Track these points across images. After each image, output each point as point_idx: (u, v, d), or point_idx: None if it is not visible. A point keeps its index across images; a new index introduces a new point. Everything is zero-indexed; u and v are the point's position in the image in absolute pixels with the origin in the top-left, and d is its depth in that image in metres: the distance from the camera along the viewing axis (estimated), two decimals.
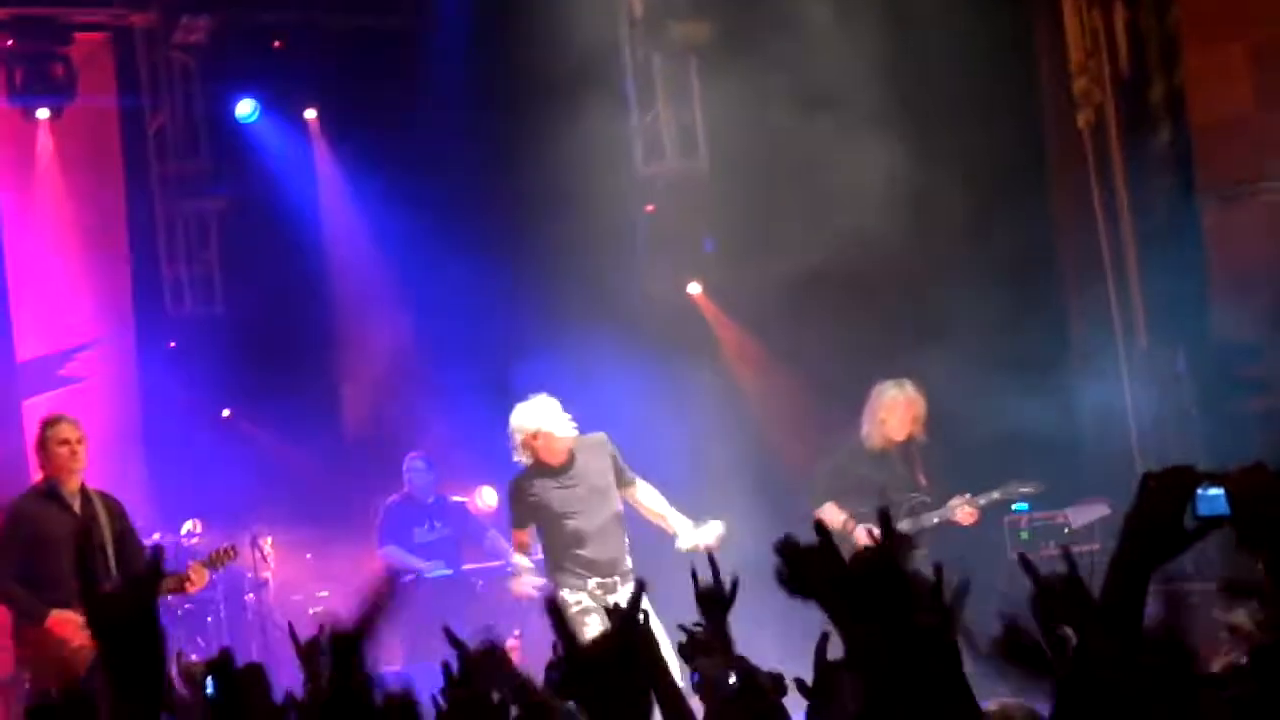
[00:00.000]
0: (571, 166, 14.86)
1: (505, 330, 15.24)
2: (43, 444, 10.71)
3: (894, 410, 12.02)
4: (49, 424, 10.76)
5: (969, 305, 13.49)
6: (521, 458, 11.37)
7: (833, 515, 11.78)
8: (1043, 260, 14.42)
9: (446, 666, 4.11)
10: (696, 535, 11.11)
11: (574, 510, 11.21)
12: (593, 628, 10.74)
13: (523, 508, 11.42)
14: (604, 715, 3.32)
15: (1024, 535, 13.15)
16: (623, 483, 11.43)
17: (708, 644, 5.09)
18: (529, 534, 11.60)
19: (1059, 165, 14.54)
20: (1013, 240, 13.90)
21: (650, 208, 15.67)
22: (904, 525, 11.66)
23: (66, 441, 10.64)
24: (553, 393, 13.97)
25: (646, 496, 11.52)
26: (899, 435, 12.01)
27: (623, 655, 3.38)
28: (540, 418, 11.25)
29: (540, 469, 11.31)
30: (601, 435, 11.54)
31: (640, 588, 3.57)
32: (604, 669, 3.36)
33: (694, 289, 15.75)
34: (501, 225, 15.76)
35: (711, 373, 15.29)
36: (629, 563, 11.29)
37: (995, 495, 12.01)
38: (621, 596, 10.70)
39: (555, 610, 3.60)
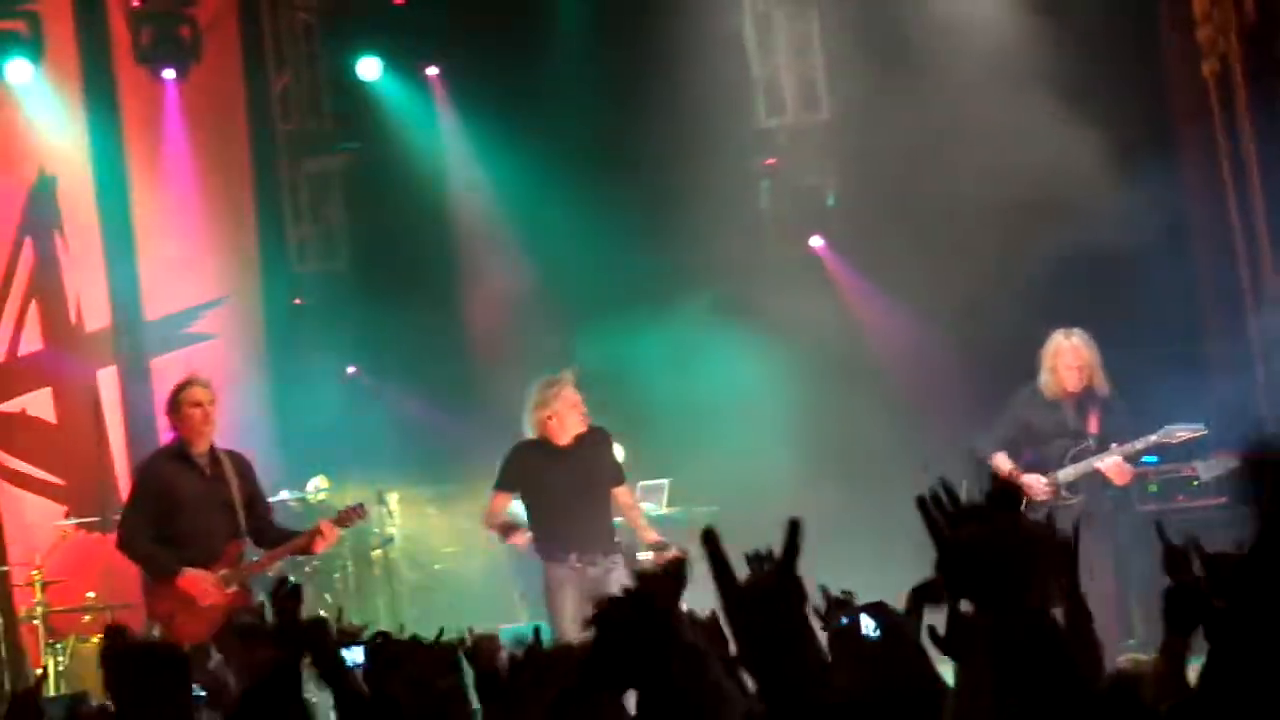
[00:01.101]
0: (693, 120, 14.86)
1: (629, 284, 15.23)
2: (175, 406, 10.80)
3: (1060, 358, 11.84)
4: (182, 387, 10.85)
5: (1098, 259, 13.39)
6: (530, 430, 11.56)
7: (1000, 464, 11.82)
8: (1170, 208, 14.25)
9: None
10: (649, 552, 11.17)
11: (563, 490, 11.31)
12: (570, 600, 11.00)
13: (513, 474, 11.62)
14: (759, 647, 3.36)
15: (1152, 488, 13.05)
16: (616, 480, 11.62)
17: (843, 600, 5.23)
18: (506, 501, 11.71)
19: (1183, 114, 14.37)
20: (1140, 189, 13.75)
21: (772, 161, 15.62)
22: (1066, 472, 11.65)
23: (199, 404, 10.73)
24: (672, 346, 14.04)
25: (630, 501, 11.75)
26: (1071, 385, 11.80)
27: (778, 592, 3.40)
28: (558, 401, 11.42)
29: (543, 445, 11.48)
30: (607, 432, 11.69)
31: (795, 528, 3.55)
32: (760, 604, 3.39)
33: (816, 243, 15.68)
34: (624, 179, 15.74)
35: (835, 328, 15.23)
36: (614, 541, 11.43)
37: (1152, 439, 11.80)
38: (600, 570, 11.06)
39: (713, 544, 3.65)
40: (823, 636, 4.86)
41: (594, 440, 11.53)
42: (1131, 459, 11.85)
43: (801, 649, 3.39)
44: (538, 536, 11.43)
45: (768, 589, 3.37)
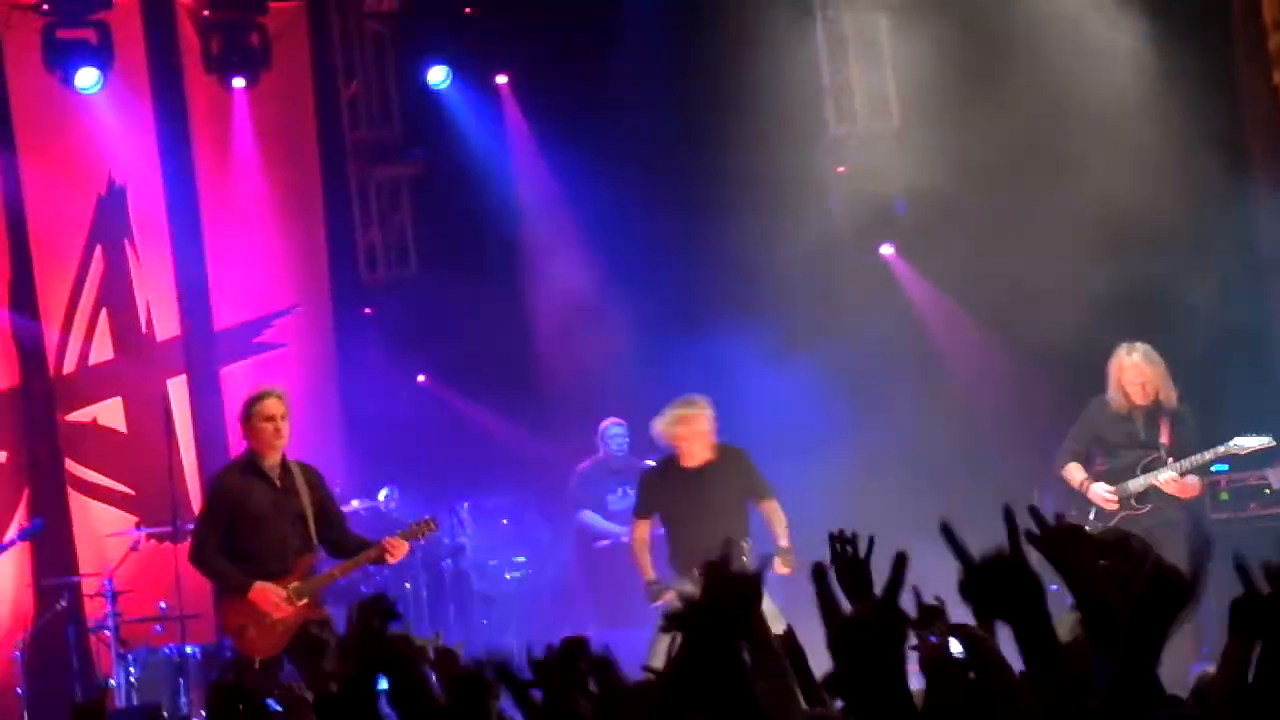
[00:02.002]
0: (763, 127, 14.80)
1: (700, 297, 15.23)
2: (248, 417, 10.78)
3: (1123, 374, 11.84)
4: (256, 398, 10.82)
5: (1170, 270, 13.26)
6: (661, 442, 11.77)
7: (1072, 475, 11.88)
8: (1241, 219, 14.10)
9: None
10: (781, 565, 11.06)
11: (695, 512, 11.40)
12: None
13: (647, 500, 11.84)
14: (859, 675, 3.34)
15: (1224, 497, 12.93)
16: (758, 496, 11.66)
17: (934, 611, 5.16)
18: (650, 526, 11.77)
19: (1254, 123, 14.22)
20: (1211, 197, 13.63)
21: (842, 169, 15.54)
22: (1136, 483, 11.60)
23: (271, 418, 10.70)
24: (743, 360, 14.00)
25: (773, 515, 11.64)
26: (1138, 399, 11.80)
27: (882, 625, 3.38)
28: (689, 422, 11.56)
29: (675, 466, 11.66)
30: (740, 449, 11.75)
31: (900, 562, 3.53)
32: (864, 635, 3.37)
33: (886, 250, 15.60)
34: (692, 186, 15.70)
35: (904, 336, 15.15)
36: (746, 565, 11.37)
37: (1220, 450, 11.74)
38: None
39: (821, 579, 3.64)
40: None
41: (728, 458, 11.63)
42: (1199, 471, 11.78)
43: (899, 679, 3.38)
44: (670, 557, 11.48)
45: (872, 621, 3.34)
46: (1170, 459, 11.74)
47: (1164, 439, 11.82)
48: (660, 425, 11.67)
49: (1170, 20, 13.53)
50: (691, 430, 11.54)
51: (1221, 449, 11.73)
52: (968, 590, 3.31)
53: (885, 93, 15.40)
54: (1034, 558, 3.48)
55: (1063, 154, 13.71)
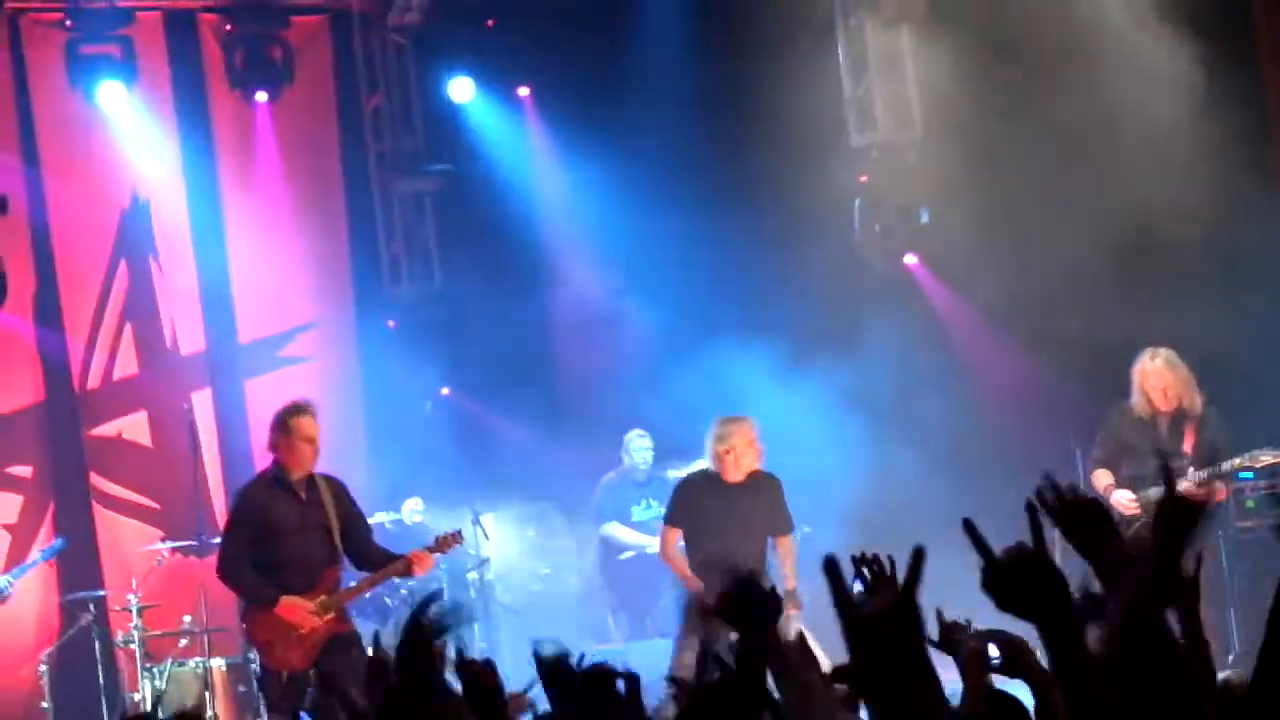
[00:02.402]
0: (784, 137, 14.78)
1: (723, 308, 15.21)
2: (286, 432, 10.72)
3: (1145, 379, 11.79)
4: (293, 414, 10.73)
5: (1191, 280, 13.22)
6: (708, 462, 11.67)
7: (1098, 481, 11.82)
8: (1265, 222, 14.05)
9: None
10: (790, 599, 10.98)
11: (722, 524, 11.37)
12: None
13: (681, 507, 11.73)
14: (880, 674, 3.32)
15: (1250, 504, 12.87)
16: (778, 529, 11.60)
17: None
18: (676, 535, 11.74)
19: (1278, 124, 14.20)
20: (1238, 202, 13.58)
21: (864, 178, 15.52)
22: (1155, 492, 11.51)
23: (311, 440, 10.65)
24: (767, 370, 13.99)
25: (786, 551, 11.63)
26: (1161, 405, 11.75)
27: (900, 619, 3.35)
28: (737, 438, 11.48)
29: (713, 479, 11.58)
30: (776, 478, 11.68)
31: (919, 556, 3.52)
32: (881, 631, 3.35)
33: (910, 260, 15.58)
34: (714, 197, 15.70)
35: (929, 345, 15.13)
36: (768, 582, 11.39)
37: (1236, 462, 11.64)
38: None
39: (834, 571, 3.63)
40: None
41: (764, 484, 11.58)
42: (1222, 478, 11.68)
43: (922, 676, 3.35)
44: (693, 565, 11.43)
45: (889, 615, 3.31)
46: (1191, 467, 11.64)
47: (1186, 447, 11.73)
48: (711, 435, 11.58)
49: (1194, 26, 13.47)
50: (744, 439, 11.46)
51: (1239, 460, 11.63)
52: (989, 586, 3.29)
53: (908, 102, 15.37)
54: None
55: (1086, 161, 13.66)
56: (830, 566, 3.47)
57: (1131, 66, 13.51)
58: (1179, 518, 3.33)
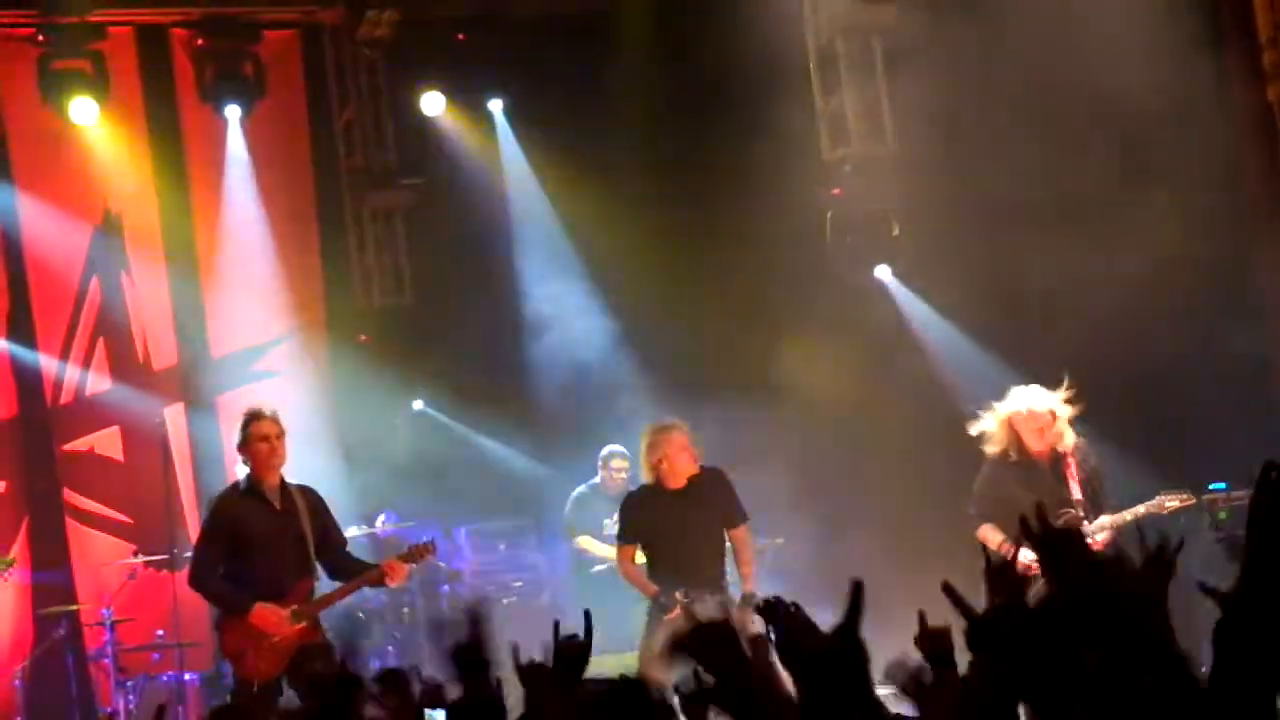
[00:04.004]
0: (757, 151, 14.81)
1: (693, 316, 15.23)
2: (244, 441, 10.81)
3: (1022, 422, 11.32)
4: (249, 421, 10.84)
5: (1158, 286, 13.27)
6: (645, 475, 11.69)
7: (990, 537, 11.10)
8: (1234, 235, 14.11)
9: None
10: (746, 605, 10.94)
11: (674, 531, 11.39)
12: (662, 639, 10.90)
13: (631, 523, 11.72)
14: (824, 711, 3.34)
15: (1222, 515, 12.84)
16: (730, 523, 11.59)
17: None
18: (632, 552, 11.73)
19: (1249, 139, 14.24)
20: (1202, 213, 13.64)
21: (837, 191, 15.57)
22: None
23: (266, 438, 10.73)
24: (741, 380, 14.01)
25: (741, 544, 11.59)
26: (1036, 445, 11.26)
27: (843, 656, 3.37)
28: (667, 445, 11.50)
29: (656, 490, 11.59)
30: (720, 469, 11.70)
31: (857, 591, 3.53)
32: (824, 669, 3.37)
33: (883, 272, 15.62)
34: (688, 210, 15.76)
35: (901, 357, 15.16)
36: (725, 578, 11.47)
37: (1140, 511, 11.19)
38: (705, 610, 10.68)
39: (771, 613, 3.63)
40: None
41: (707, 481, 11.57)
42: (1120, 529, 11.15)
43: (867, 711, 3.38)
44: (651, 576, 11.44)
45: (831, 653, 3.34)
46: (1083, 515, 11.11)
47: (1076, 493, 11.24)
48: (643, 447, 11.60)
49: (1165, 36, 13.53)
50: (674, 445, 11.46)
51: (1142, 509, 11.19)
52: (975, 644, 3.31)
53: (879, 115, 15.43)
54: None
55: (1059, 173, 13.70)
56: (768, 610, 3.49)
57: (1099, 75, 13.58)
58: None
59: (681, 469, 11.47)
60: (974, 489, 11.57)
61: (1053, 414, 11.27)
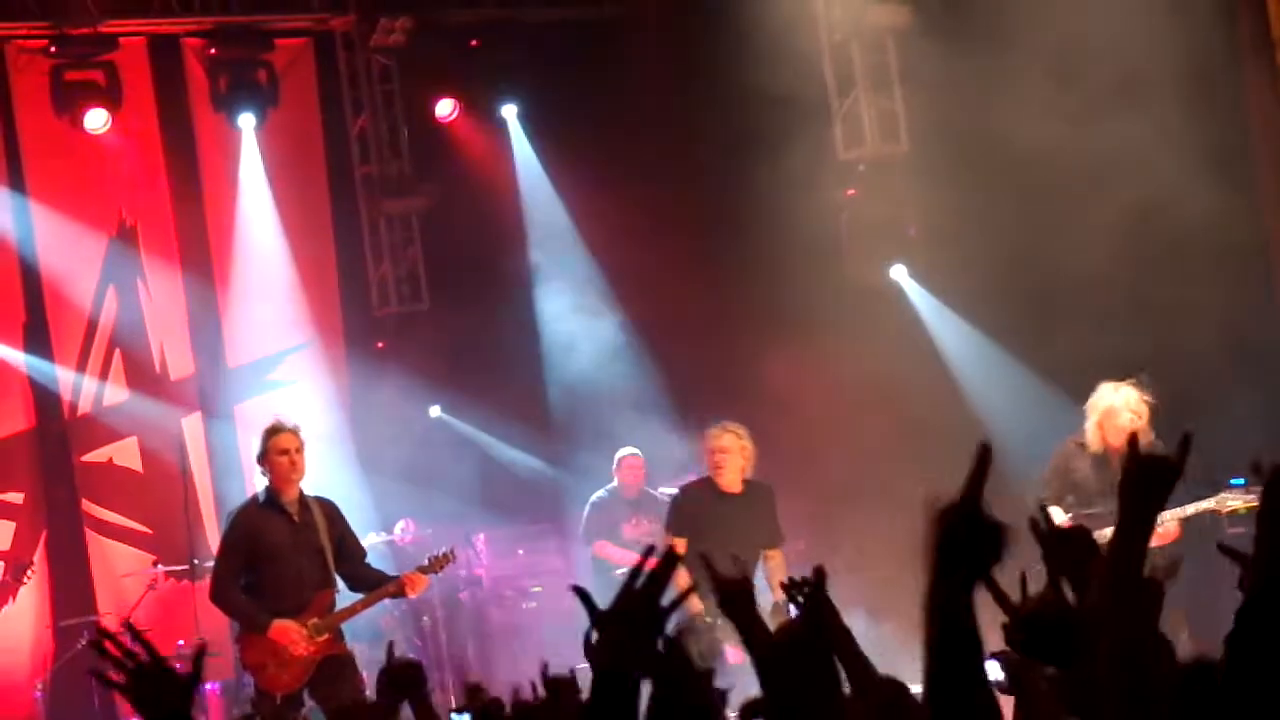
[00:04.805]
0: (772, 152, 14.79)
1: (711, 318, 15.22)
2: (264, 454, 10.80)
3: (1107, 415, 11.43)
4: (270, 434, 10.84)
5: (1177, 289, 13.22)
6: (703, 470, 11.85)
7: (1053, 518, 11.32)
8: (1248, 236, 14.06)
9: None
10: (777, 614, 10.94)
11: (724, 534, 11.30)
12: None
13: (682, 518, 11.80)
14: (791, 698, 3.34)
15: (1242, 510, 12.81)
16: (770, 542, 11.73)
17: None
18: (679, 545, 11.66)
19: (1262, 134, 14.20)
20: (1217, 218, 13.59)
21: (851, 192, 15.54)
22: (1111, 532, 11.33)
23: (286, 451, 10.72)
24: (757, 381, 13.98)
25: (778, 565, 11.61)
26: (1116, 440, 11.30)
27: (808, 642, 3.37)
28: (728, 444, 11.62)
29: (711, 487, 11.71)
30: (770, 486, 11.85)
31: (820, 575, 3.53)
32: (790, 655, 3.38)
33: (898, 272, 15.59)
34: (703, 212, 15.74)
35: (916, 357, 15.14)
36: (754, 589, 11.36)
37: (1203, 506, 11.19)
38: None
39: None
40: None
41: (758, 494, 11.72)
42: (1186, 521, 11.23)
43: (832, 698, 3.38)
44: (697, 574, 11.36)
45: (797, 639, 3.33)
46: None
47: None
48: (706, 443, 11.75)
49: (1178, 34, 13.49)
50: (736, 447, 11.58)
51: (1204, 504, 11.18)
52: (1015, 639, 3.30)
53: (894, 115, 15.41)
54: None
55: (1075, 171, 13.66)
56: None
57: (1113, 72, 13.54)
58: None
59: (733, 473, 11.60)
60: (1044, 474, 11.73)
61: (1136, 414, 11.37)
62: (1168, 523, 11.18)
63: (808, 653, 3.31)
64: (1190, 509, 11.23)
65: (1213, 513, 11.33)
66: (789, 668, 3.33)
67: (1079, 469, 11.54)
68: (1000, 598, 3.29)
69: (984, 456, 3.05)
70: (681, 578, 11.04)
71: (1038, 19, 13.59)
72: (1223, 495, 11.30)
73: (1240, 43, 14.09)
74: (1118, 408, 11.40)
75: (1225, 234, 13.46)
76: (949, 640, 2.84)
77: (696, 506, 11.75)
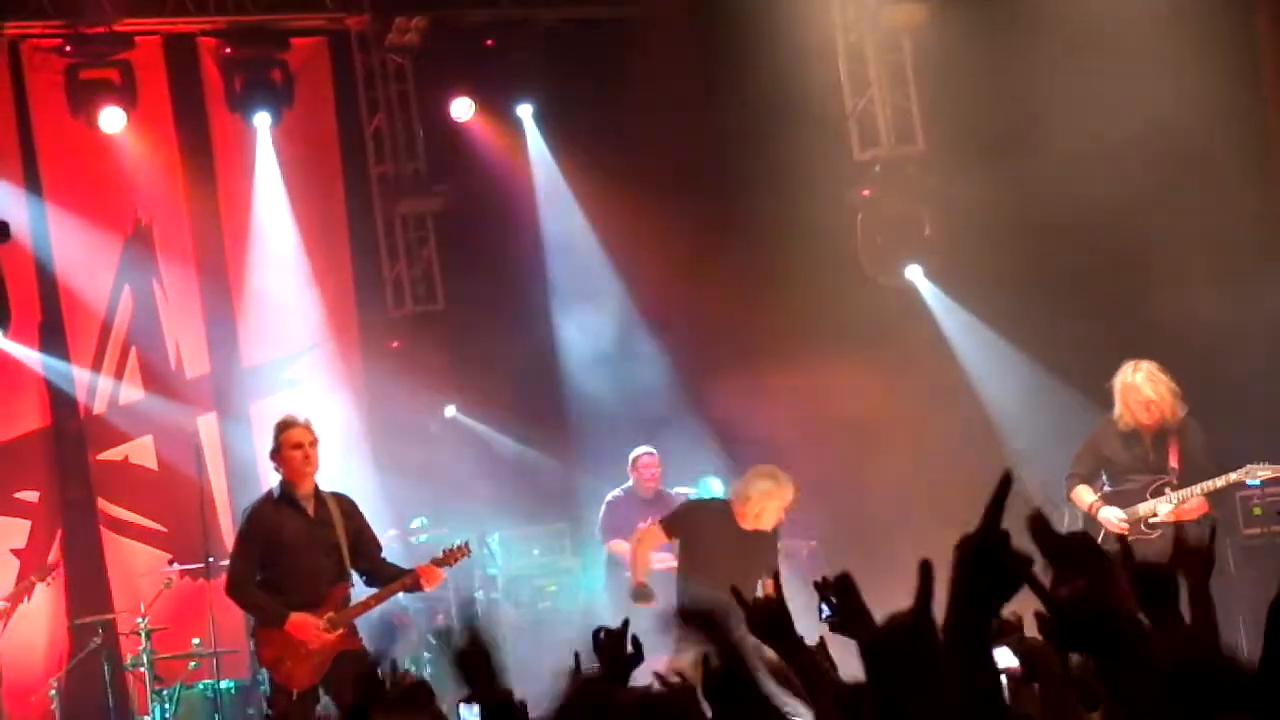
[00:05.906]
0: (787, 152, 14.79)
1: (728, 323, 15.20)
2: (276, 449, 10.79)
3: (1128, 393, 11.61)
4: (282, 429, 10.82)
5: (1193, 283, 13.21)
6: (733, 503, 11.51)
7: (1081, 498, 11.69)
8: (1266, 229, 14.03)
9: None
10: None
11: (739, 564, 11.03)
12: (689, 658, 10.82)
13: (685, 524, 11.63)
14: (895, 691, 3.32)
15: (1257, 511, 12.82)
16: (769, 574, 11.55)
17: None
18: (660, 540, 11.72)
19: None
20: (1236, 210, 13.58)
21: (867, 192, 15.52)
22: (1146, 506, 11.45)
23: (299, 445, 10.70)
24: (773, 381, 13.96)
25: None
26: (1144, 419, 11.55)
27: (916, 636, 3.35)
28: (773, 496, 11.32)
29: (729, 517, 11.38)
30: (777, 529, 11.53)
31: (926, 570, 3.51)
32: (897, 648, 3.36)
33: (914, 272, 15.57)
34: (718, 213, 15.73)
35: (932, 356, 15.12)
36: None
37: (1232, 478, 11.49)
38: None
39: (844, 589, 3.63)
40: None
41: (768, 534, 11.40)
42: (1210, 496, 11.53)
43: (936, 693, 3.33)
44: (686, 580, 11.32)
45: (904, 633, 3.30)
46: (1176, 483, 11.52)
47: (1173, 462, 11.59)
48: (750, 484, 11.40)
49: (1198, 35, 13.47)
50: (774, 504, 11.32)
51: (1233, 476, 11.49)
52: (1053, 633, 3.28)
53: (909, 115, 15.40)
54: None
55: (1090, 172, 13.64)
56: (841, 585, 3.47)
57: (1129, 73, 13.52)
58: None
59: (765, 522, 11.31)
60: (1078, 449, 11.94)
61: (1159, 395, 11.56)
62: (1192, 499, 11.35)
63: (917, 638, 3.28)
64: (1220, 481, 11.40)
65: (1239, 484, 11.70)
66: (896, 657, 3.30)
67: (1110, 445, 11.75)
68: (1037, 588, 3.26)
69: (1004, 486, 3.01)
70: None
71: (1053, 16, 13.59)
72: (1250, 466, 11.45)
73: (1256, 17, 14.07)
74: (1137, 384, 11.57)
75: (1241, 235, 13.46)
76: (968, 669, 2.84)
77: (703, 524, 11.51)
